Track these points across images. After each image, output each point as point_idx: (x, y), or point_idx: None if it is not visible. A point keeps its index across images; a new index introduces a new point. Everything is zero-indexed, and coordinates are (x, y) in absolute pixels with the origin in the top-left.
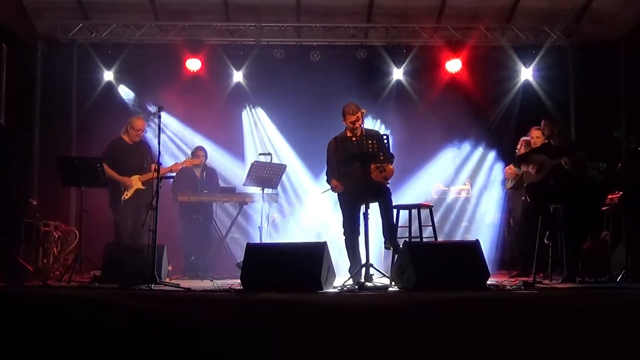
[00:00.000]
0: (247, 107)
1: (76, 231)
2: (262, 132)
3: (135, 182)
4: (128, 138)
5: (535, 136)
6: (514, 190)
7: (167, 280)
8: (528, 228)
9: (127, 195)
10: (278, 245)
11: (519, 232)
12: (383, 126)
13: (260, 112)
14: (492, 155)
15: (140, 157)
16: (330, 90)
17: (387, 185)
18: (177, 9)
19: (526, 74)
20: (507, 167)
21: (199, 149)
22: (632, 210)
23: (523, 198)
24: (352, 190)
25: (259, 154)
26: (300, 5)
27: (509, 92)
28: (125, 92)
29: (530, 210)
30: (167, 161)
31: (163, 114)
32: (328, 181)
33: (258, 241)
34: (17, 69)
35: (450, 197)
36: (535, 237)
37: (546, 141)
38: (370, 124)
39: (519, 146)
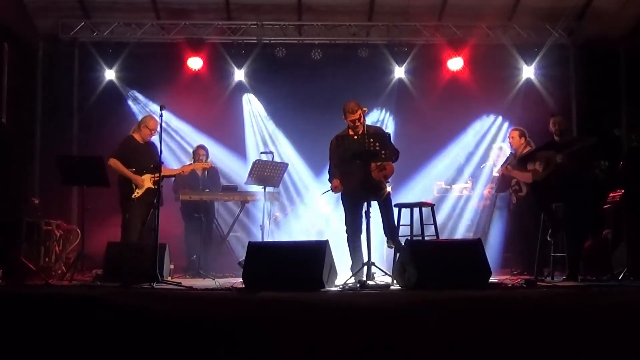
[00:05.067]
0: (249, 106)
1: (78, 230)
2: (263, 130)
3: (147, 181)
4: (139, 137)
5: (511, 137)
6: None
7: (169, 278)
8: (521, 229)
9: (138, 193)
10: (280, 243)
11: (514, 232)
12: (390, 118)
13: (261, 111)
14: (494, 153)
15: (152, 156)
16: (331, 88)
17: (388, 190)
18: (178, 7)
19: (528, 72)
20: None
21: (200, 147)
22: (633, 209)
23: (514, 202)
24: (354, 188)
25: (261, 153)
26: (301, 3)
27: (511, 90)
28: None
29: (519, 211)
30: (168, 159)
31: (165, 113)
32: (330, 180)
33: (260, 240)
34: (18, 67)
35: (452, 196)
36: (527, 236)
37: (552, 140)
38: (375, 117)
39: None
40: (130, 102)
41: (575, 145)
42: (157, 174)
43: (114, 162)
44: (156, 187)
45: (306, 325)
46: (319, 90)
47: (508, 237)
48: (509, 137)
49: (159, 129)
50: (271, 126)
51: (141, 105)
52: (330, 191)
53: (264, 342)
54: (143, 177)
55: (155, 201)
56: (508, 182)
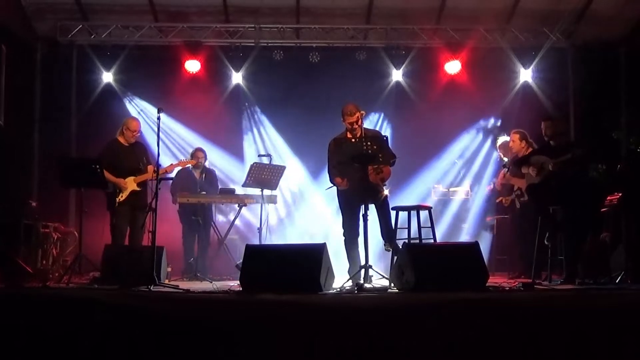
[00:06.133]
0: (246, 109)
1: (75, 232)
2: (261, 133)
3: (130, 184)
4: (124, 139)
5: (512, 140)
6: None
7: (166, 281)
8: (520, 232)
9: (122, 197)
10: (277, 246)
11: (515, 235)
12: (387, 121)
13: (259, 113)
14: (491, 156)
15: (136, 158)
16: (329, 91)
17: (386, 193)
18: (176, 10)
19: (525, 75)
20: (497, 181)
21: (199, 150)
22: (631, 211)
23: (517, 206)
24: (352, 191)
25: (259, 155)
26: (299, 6)
27: (509, 93)
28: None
29: (520, 215)
30: (166, 163)
31: (162, 116)
32: (331, 180)
33: (257, 242)
34: (16, 70)
35: (449, 199)
36: (528, 240)
37: (547, 143)
38: (373, 120)
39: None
40: (127, 105)
41: (566, 156)
42: (142, 175)
43: None
44: (141, 189)
45: (305, 327)
46: (317, 93)
47: (508, 240)
48: (510, 140)
49: (144, 129)
50: (269, 129)
51: (139, 108)
52: (334, 186)
53: (263, 343)
54: (126, 179)
55: (153, 204)
56: (510, 188)
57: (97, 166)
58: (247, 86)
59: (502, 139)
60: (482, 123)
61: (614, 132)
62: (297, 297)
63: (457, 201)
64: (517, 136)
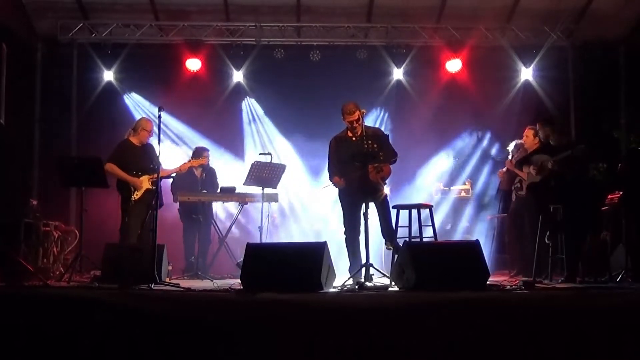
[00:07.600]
0: (247, 105)
1: (76, 231)
2: (262, 132)
3: (145, 183)
4: (137, 140)
5: (526, 135)
6: (506, 192)
7: (167, 280)
8: (519, 230)
9: (137, 195)
10: (278, 245)
11: (513, 233)
12: (388, 120)
13: (260, 112)
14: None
15: (149, 158)
16: (330, 90)
17: (386, 192)
18: (177, 9)
19: (526, 74)
20: (499, 170)
21: (206, 150)
22: (632, 210)
23: (513, 199)
24: (353, 189)
25: (259, 154)
26: (300, 5)
27: (509, 92)
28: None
29: (518, 212)
30: (166, 161)
31: (163, 114)
32: (330, 178)
33: (258, 241)
34: (17, 69)
35: (450, 197)
36: (526, 239)
37: (547, 143)
38: (374, 118)
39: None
40: (128, 103)
41: (565, 153)
42: (155, 175)
43: (110, 167)
44: (155, 187)
45: (306, 326)
46: (318, 91)
47: (507, 238)
48: (524, 135)
49: (156, 129)
50: (270, 127)
51: (140, 106)
52: (332, 185)
53: (263, 343)
54: (141, 178)
55: (153, 202)
56: (512, 178)
57: (98, 165)
58: (247, 85)
59: (514, 143)
60: (482, 122)
61: (614, 131)
62: (297, 295)
63: (458, 199)
64: (531, 132)
